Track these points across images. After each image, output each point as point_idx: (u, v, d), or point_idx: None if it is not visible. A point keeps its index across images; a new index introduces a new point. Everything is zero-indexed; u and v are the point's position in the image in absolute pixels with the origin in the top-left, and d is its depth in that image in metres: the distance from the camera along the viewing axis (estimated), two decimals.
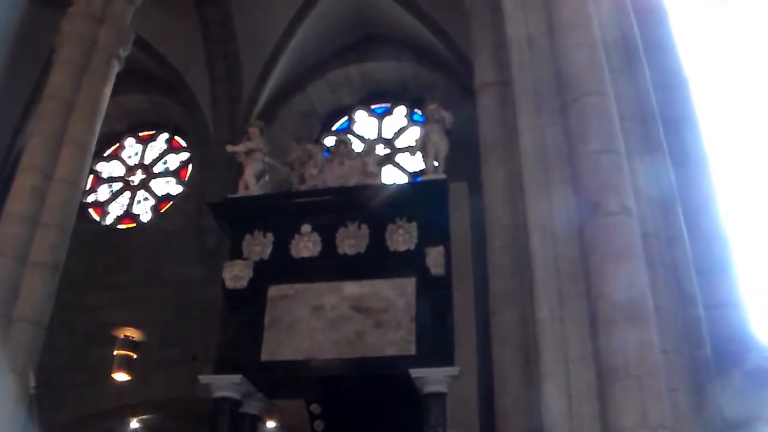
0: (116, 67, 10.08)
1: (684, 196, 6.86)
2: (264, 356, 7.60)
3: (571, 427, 5.83)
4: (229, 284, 7.85)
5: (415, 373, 7.02)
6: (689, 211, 6.81)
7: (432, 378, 7.00)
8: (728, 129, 7.77)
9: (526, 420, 6.52)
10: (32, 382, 6.45)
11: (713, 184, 7.16)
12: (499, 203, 7.52)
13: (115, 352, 12.18)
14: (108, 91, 9.88)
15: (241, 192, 8.52)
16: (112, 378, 12.34)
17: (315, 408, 9.52)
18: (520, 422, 6.58)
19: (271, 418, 11.60)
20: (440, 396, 6.98)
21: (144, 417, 13.03)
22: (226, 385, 7.48)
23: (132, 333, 12.23)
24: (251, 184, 8.47)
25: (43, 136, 8.92)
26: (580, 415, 5.83)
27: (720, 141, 7.60)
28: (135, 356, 12.19)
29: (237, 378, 7.45)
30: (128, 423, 12.88)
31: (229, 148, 9.07)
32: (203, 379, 7.65)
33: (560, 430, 5.84)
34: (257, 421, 8.11)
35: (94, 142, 9.57)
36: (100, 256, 14.18)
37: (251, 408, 7.85)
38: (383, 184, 8.74)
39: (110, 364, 12.28)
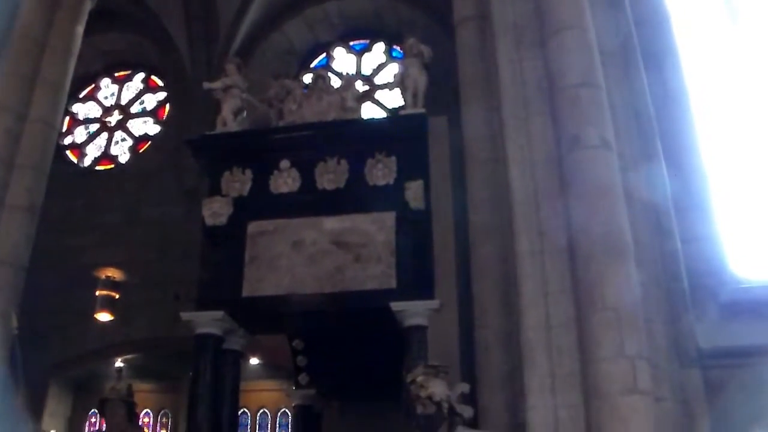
0: (88, 5, 9.88)
1: (664, 132, 6.88)
2: (245, 292, 7.63)
3: (550, 358, 5.92)
4: (209, 221, 7.85)
5: (395, 306, 7.07)
6: (668, 147, 6.84)
7: (412, 311, 7.05)
8: (709, 65, 7.74)
9: (506, 351, 6.61)
10: (14, 323, 6.43)
11: (693, 121, 7.17)
12: (478, 137, 7.50)
13: (97, 293, 12.24)
14: (80, 29, 9.70)
15: (219, 129, 8.44)
16: (95, 319, 12.40)
17: (297, 344, 9.63)
18: (500, 354, 6.66)
19: (254, 354, 11.73)
20: (421, 329, 7.04)
21: (127, 356, 13.11)
22: (207, 322, 7.51)
23: (113, 273, 12.26)
24: (229, 120, 8.39)
25: (15, 76, 8.74)
26: (558, 346, 5.91)
27: (701, 77, 7.57)
28: (117, 296, 12.24)
29: (218, 314, 7.49)
30: (112, 363, 12.94)
31: (206, 84, 8.97)
32: (185, 316, 7.66)
33: (539, 360, 5.93)
34: (240, 357, 8.17)
35: (69, 82, 9.43)
36: (79, 198, 14.10)
37: (233, 344, 7.90)
38: (362, 118, 8.71)
39: (93, 305, 12.34)
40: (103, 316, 12.21)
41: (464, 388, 5.79)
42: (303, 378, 9.95)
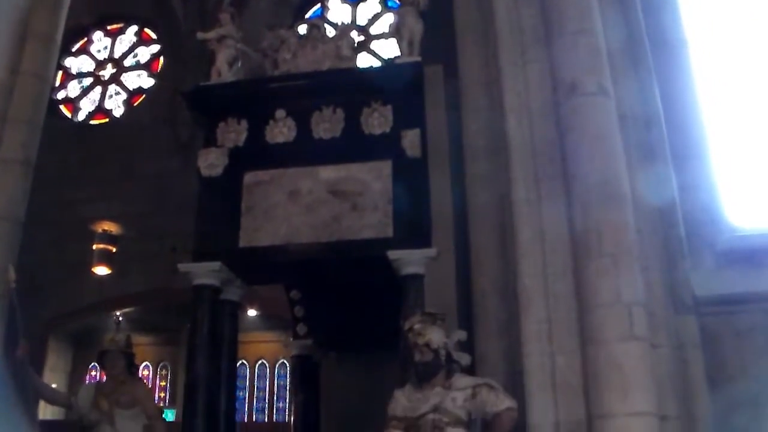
0: None
1: (662, 80, 6.83)
2: (242, 242, 7.62)
3: (547, 305, 5.94)
4: (205, 172, 7.82)
5: (392, 255, 7.07)
6: (667, 96, 6.79)
7: (409, 259, 7.05)
8: (708, 11, 7.64)
9: (503, 299, 6.63)
10: (12, 276, 6.42)
11: (692, 68, 7.11)
12: (475, 85, 7.44)
13: (94, 247, 12.26)
14: None
15: (214, 79, 8.35)
16: (93, 272, 12.42)
17: (295, 294, 9.66)
18: (497, 302, 6.68)
19: (251, 306, 11.78)
20: (418, 277, 7.05)
21: (126, 310, 13.17)
22: (205, 273, 7.51)
23: (110, 227, 12.27)
24: (224, 71, 8.31)
25: (5, 30, 8.62)
26: (555, 293, 5.92)
27: (700, 23, 7.48)
28: (114, 250, 12.26)
29: (216, 265, 7.48)
30: (110, 316, 13.00)
31: (200, 35, 8.87)
32: (182, 267, 7.66)
33: (536, 307, 5.94)
34: (237, 307, 8.17)
35: (60, 35, 9.27)
36: (74, 153, 14.05)
37: (231, 295, 7.91)
38: (357, 67, 8.63)
39: (90, 259, 12.35)
40: (101, 270, 12.24)
41: (461, 335, 5.83)
42: (301, 328, 10.01)
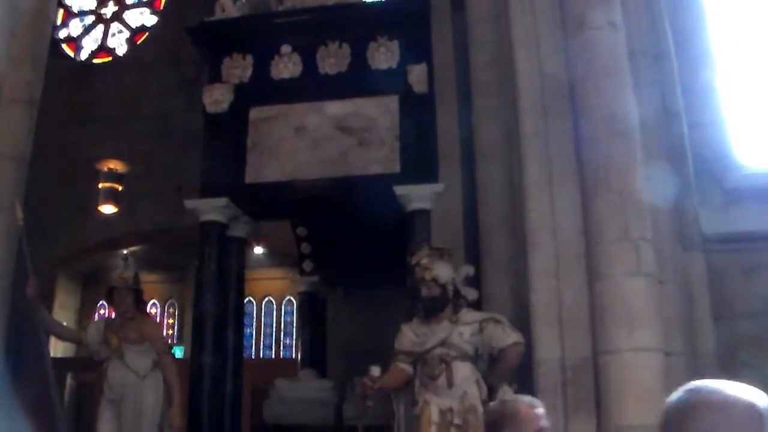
0: None
1: (673, 16, 6.71)
2: (248, 179, 7.62)
3: (555, 241, 5.91)
4: (210, 108, 7.76)
5: (399, 190, 7.07)
6: (678, 32, 6.68)
7: (416, 195, 7.05)
8: None
9: (510, 235, 6.62)
10: (20, 214, 6.40)
11: (703, 5, 6.98)
12: (482, 19, 7.32)
13: (100, 185, 12.24)
14: None
15: (218, 15, 8.24)
16: (99, 211, 12.43)
17: (301, 231, 9.69)
18: (504, 237, 6.67)
19: (258, 243, 11.81)
20: (424, 213, 7.05)
21: (133, 248, 13.20)
22: (211, 209, 7.51)
23: (116, 165, 12.25)
24: (228, 6, 8.18)
25: None
26: (563, 228, 5.89)
27: None
28: (120, 188, 12.23)
29: (222, 201, 7.49)
30: (118, 255, 13.02)
31: None
32: (189, 203, 7.66)
33: (544, 243, 5.92)
34: (244, 244, 8.21)
35: None
36: (77, 92, 13.92)
37: (238, 231, 7.92)
38: (363, 1, 8.49)
39: (96, 199, 12.35)
40: (107, 209, 12.24)
41: (469, 270, 5.83)
42: (307, 265, 10.07)
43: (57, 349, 13.08)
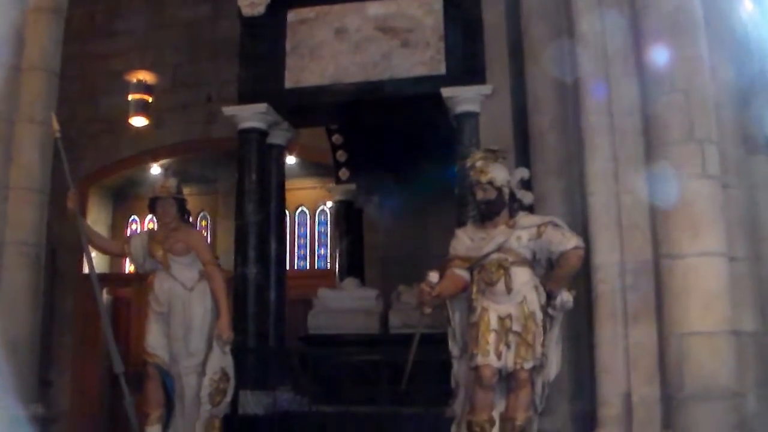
0: None
1: None
2: (287, 83, 7.39)
3: (613, 142, 5.67)
4: (246, 11, 7.48)
5: (446, 92, 6.82)
6: None
7: (463, 97, 6.80)
8: None
9: (562, 137, 6.36)
10: (56, 126, 6.22)
11: None
12: None
13: (130, 97, 12.00)
14: None
15: None
16: (129, 125, 12.22)
17: (337, 139, 9.49)
18: (556, 139, 6.40)
19: (290, 152, 11.58)
20: (472, 115, 6.82)
21: (163, 161, 13.03)
22: (251, 116, 7.30)
23: (145, 76, 11.97)
24: None
25: None
26: (622, 129, 5.65)
27: None
28: (150, 100, 11.99)
29: (262, 107, 7.26)
30: (148, 169, 12.90)
31: None
32: (227, 110, 7.45)
33: (601, 145, 5.68)
34: (283, 151, 8.02)
35: None
36: (101, 4, 13.52)
37: (277, 138, 7.72)
38: None
39: (125, 112, 12.12)
40: (138, 121, 12.01)
41: (524, 173, 5.63)
42: (343, 173, 9.89)
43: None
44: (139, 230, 12.75)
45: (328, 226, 13.11)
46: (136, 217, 13.70)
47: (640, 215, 5.52)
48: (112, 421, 12.01)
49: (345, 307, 8.00)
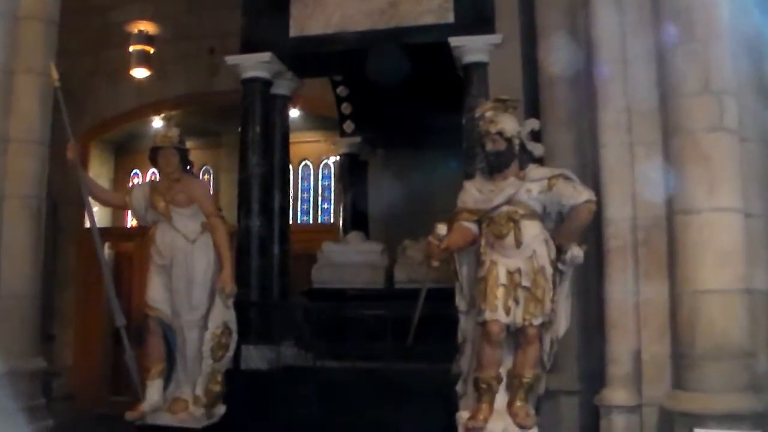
0: None
1: None
2: (292, 32, 7.23)
3: (626, 93, 5.51)
4: None
5: (454, 41, 6.66)
6: None
7: (472, 46, 6.64)
8: None
9: (573, 87, 6.21)
10: (55, 75, 6.07)
11: None
12: None
13: (131, 48, 11.80)
14: None
15: None
16: (130, 77, 12.04)
17: (342, 90, 9.32)
18: (566, 90, 6.25)
19: (294, 105, 11.41)
20: (481, 65, 6.67)
21: (164, 114, 12.85)
22: (255, 65, 7.14)
23: (146, 26, 11.75)
24: None
25: None
26: (636, 80, 5.47)
27: None
28: (151, 51, 11.78)
29: (266, 56, 7.11)
30: (149, 122, 12.73)
31: None
32: (231, 59, 7.28)
33: (614, 95, 5.52)
34: (288, 102, 7.86)
35: None
36: None
37: (281, 89, 7.58)
38: None
39: (126, 65, 11.93)
40: (140, 72, 11.82)
41: (534, 124, 5.47)
42: (348, 126, 9.74)
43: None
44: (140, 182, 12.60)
45: (332, 180, 12.97)
46: (138, 171, 13.55)
47: (653, 168, 5.37)
48: (116, 376, 12.02)
49: (350, 261, 7.90)
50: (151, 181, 6.24)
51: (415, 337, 5.31)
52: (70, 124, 6.10)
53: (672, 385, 5.14)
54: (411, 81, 7.90)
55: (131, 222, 13.37)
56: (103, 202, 6.84)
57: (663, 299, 5.26)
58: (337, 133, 10.20)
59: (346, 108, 9.63)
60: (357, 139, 9.79)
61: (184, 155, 5.99)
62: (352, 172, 9.94)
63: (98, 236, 6.09)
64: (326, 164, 13.07)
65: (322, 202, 13.19)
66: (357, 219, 9.75)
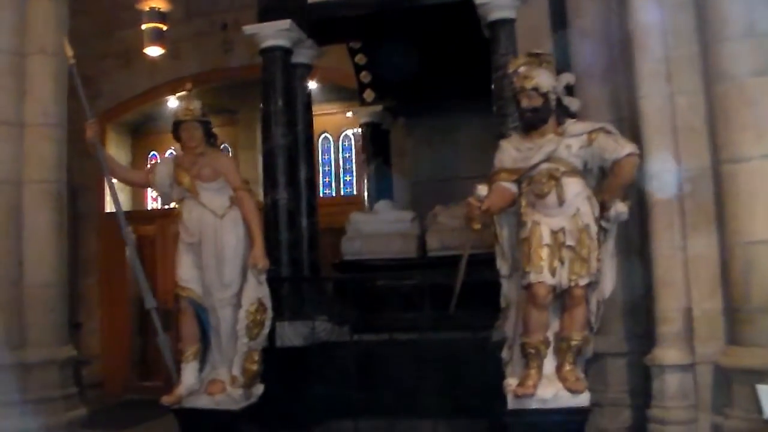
0: None
1: None
2: None
3: (665, 41, 5.29)
4: None
5: None
6: None
7: (498, 3, 6.32)
8: None
9: (606, 40, 5.98)
10: (70, 52, 5.88)
11: None
12: None
13: (144, 26, 11.55)
14: None
15: None
16: (144, 58, 11.84)
17: (360, 59, 9.11)
18: (598, 44, 6.01)
19: (311, 78, 11.21)
20: (508, 22, 6.36)
21: (180, 94, 12.67)
22: (274, 33, 6.89)
23: (158, 3, 11.50)
24: None
25: None
26: (674, 25, 5.26)
27: None
28: (165, 28, 11.56)
29: (285, 23, 6.84)
30: (165, 102, 12.57)
31: None
32: (249, 29, 7.04)
33: (652, 44, 5.31)
34: (309, 71, 7.62)
35: None
36: None
37: (301, 57, 7.31)
38: None
39: (139, 44, 11.70)
40: (154, 51, 11.58)
41: (569, 78, 5.25)
42: (368, 94, 9.51)
43: (113, 204, 12.83)
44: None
45: (353, 152, 12.79)
46: (155, 153, 13.38)
47: (696, 118, 5.18)
48: (144, 362, 12.00)
49: (380, 231, 7.69)
50: (175, 157, 6.01)
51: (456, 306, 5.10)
52: (87, 101, 5.92)
53: (726, 342, 4.97)
54: (431, 45, 7.70)
55: (152, 204, 13.28)
56: (126, 182, 6.67)
57: (712, 253, 5.10)
58: (355, 104, 10.00)
59: (365, 77, 9.39)
60: (378, 108, 9.57)
61: (207, 128, 5.79)
62: (374, 141, 9.72)
63: (123, 218, 5.92)
64: (346, 136, 12.88)
65: (343, 174, 13.01)
66: (382, 189, 9.55)
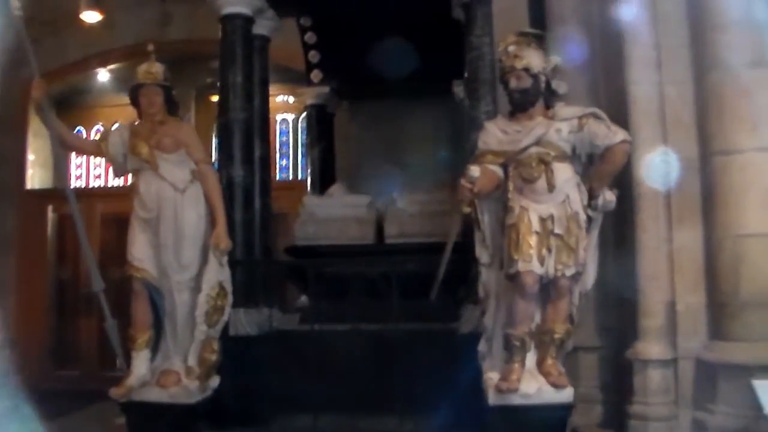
0: None
1: None
2: None
3: (656, 29, 5.13)
4: None
5: None
6: None
7: None
8: None
9: (586, 24, 5.85)
10: (16, 3, 5.39)
11: None
12: None
13: None
14: None
15: None
16: (75, 27, 11.25)
17: (310, 37, 8.69)
18: (579, 26, 5.88)
19: None
20: (485, 3, 6.08)
21: (112, 66, 12.10)
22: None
23: None
24: None
25: None
26: (664, 12, 5.12)
27: None
28: None
29: None
30: (95, 75, 11.98)
31: None
32: None
33: (642, 31, 5.15)
34: (268, 43, 7.25)
35: None
36: None
37: (262, 28, 6.95)
38: None
39: (72, 11, 11.10)
40: (91, 16, 11.00)
41: (557, 60, 5.04)
42: (315, 75, 9.10)
43: (34, 180, 12.19)
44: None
45: (290, 135, 12.43)
46: (81, 128, 12.70)
47: (685, 109, 5.05)
48: (61, 349, 11.45)
49: (335, 216, 7.34)
50: (131, 124, 5.53)
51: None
52: (34, 58, 5.43)
53: (709, 337, 4.86)
54: (385, 26, 7.37)
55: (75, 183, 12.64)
56: (75, 149, 6.24)
57: (697, 246, 4.97)
58: (298, 87, 9.68)
59: (313, 56, 8.97)
60: (325, 90, 9.19)
61: (169, 94, 5.39)
62: (319, 124, 9.35)
63: (73, 195, 5.51)
64: (284, 120, 12.50)
65: (279, 158, 12.62)
66: (326, 174, 9.19)
